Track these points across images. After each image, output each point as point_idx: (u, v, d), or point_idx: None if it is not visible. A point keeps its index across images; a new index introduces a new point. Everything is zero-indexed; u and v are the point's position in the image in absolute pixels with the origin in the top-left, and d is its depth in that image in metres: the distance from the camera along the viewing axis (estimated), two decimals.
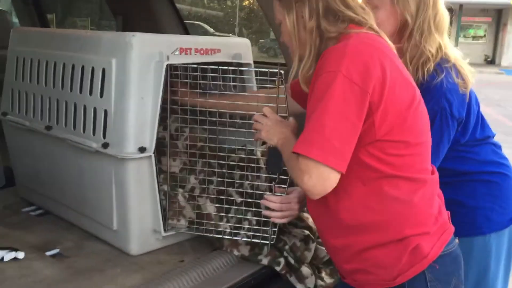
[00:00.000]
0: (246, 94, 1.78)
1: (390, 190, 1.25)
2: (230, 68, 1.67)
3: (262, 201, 1.62)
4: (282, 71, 1.53)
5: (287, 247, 1.72)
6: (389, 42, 1.34)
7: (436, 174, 1.37)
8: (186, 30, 3.31)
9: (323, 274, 1.80)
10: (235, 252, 1.70)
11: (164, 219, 1.71)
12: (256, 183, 1.75)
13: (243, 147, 1.87)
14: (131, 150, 1.59)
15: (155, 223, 1.70)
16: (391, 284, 1.26)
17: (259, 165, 1.78)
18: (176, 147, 1.81)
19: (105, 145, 1.62)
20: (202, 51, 1.74)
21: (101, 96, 1.64)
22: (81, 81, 1.71)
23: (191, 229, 1.73)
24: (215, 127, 1.79)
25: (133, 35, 1.59)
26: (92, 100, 1.67)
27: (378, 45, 1.28)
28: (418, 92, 1.32)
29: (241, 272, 1.65)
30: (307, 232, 1.76)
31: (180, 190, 1.75)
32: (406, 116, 1.24)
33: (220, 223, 1.74)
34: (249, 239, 1.70)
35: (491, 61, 24.79)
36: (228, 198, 1.76)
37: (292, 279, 1.68)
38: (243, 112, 1.71)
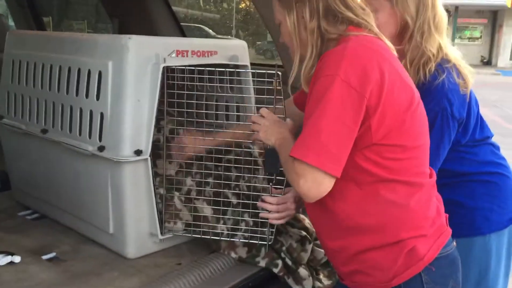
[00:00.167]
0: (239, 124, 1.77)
1: (387, 194, 1.24)
2: (227, 70, 1.66)
3: (258, 204, 1.62)
4: (279, 72, 1.52)
5: (284, 248, 1.72)
6: (389, 44, 1.34)
7: (434, 177, 1.37)
8: (182, 33, 3.31)
9: (321, 276, 1.80)
10: (233, 255, 1.70)
11: (161, 222, 1.70)
12: (253, 184, 1.74)
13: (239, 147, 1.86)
14: (127, 153, 1.59)
15: (151, 226, 1.69)
16: (388, 285, 1.26)
17: (256, 166, 1.78)
18: (171, 150, 1.80)
19: (101, 148, 1.61)
20: (198, 53, 1.74)
21: (97, 99, 1.63)
22: (77, 84, 1.70)
23: (188, 232, 1.73)
24: (212, 129, 1.78)
25: (129, 38, 1.58)
26: (88, 103, 1.66)
27: (377, 48, 1.27)
28: (417, 94, 1.31)
29: (239, 275, 1.65)
30: (304, 233, 1.75)
31: (176, 193, 1.74)
32: (404, 118, 1.24)
33: (217, 225, 1.73)
34: (246, 240, 1.69)
35: (487, 62, 24.88)
36: (225, 199, 1.76)
37: (290, 281, 1.68)
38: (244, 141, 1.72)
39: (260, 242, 1.68)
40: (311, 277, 1.72)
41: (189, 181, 1.78)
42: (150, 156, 1.62)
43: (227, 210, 1.76)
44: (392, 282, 1.25)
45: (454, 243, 1.36)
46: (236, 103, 1.95)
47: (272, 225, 1.66)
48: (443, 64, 1.55)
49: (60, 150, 1.78)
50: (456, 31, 23.86)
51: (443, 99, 1.51)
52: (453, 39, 21.86)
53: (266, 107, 1.50)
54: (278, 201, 1.60)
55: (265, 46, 20.49)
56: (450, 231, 1.35)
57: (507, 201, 1.68)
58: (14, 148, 2.07)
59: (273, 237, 1.68)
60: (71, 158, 1.75)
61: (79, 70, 1.70)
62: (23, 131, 1.93)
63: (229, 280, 1.61)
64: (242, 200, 1.75)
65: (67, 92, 1.74)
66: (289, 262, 1.70)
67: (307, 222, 1.80)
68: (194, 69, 1.67)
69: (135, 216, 1.66)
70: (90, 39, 1.82)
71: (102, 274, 1.59)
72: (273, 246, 1.71)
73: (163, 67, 1.60)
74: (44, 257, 1.68)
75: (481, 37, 25.86)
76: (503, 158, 1.73)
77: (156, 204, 1.68)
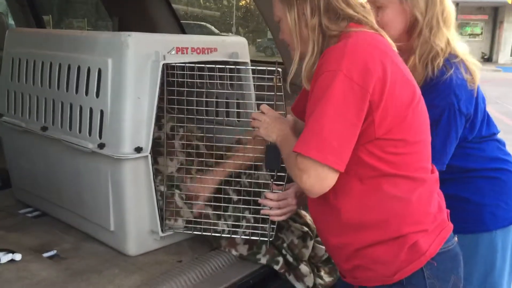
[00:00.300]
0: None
1: (389, 188, 1.25)
2: (227, 67, 1.66)
3: (260, 201, 1.61)
4: (279, 69, 1.52)
5: (285, 245, 1.72)
6: (390, 40, 1.34)
7: (436, 173, 1.37)
8: (182, 30, 3.30)
9: (322, 273, 1.80)
10: (233, 252, 1.70)
11: (162, 219, 1.70)
12: (254, 181, 1.74)
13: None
14: (127, 150, 1.58)
15: (152, 224, 1.69)
16: (390, 280, 1.27)
17: (257, 163, 1.78)
18: (172, 147, 1.80)
19: (101, 146, 1.61)
20: (198, 50, 1.73)
21: (97, 96, 1.63)
22: (77, 81, 1.70)
23: (189, 229, 1.72)
24: (212, 126, 1.78)
25: (129, 35, 1.58)
26: (88, 100, 1.66)
27: (378, 43, 1.27)
28: (418, 90, 1.31)
29: (240, 272, 1.65)
30: (305, 228, 1.75)
31: (177, 191, 1.74)
32: (406, 114, 1.24)
33: (218, 221, 1.73)
34: (247, 237, 1.69)
35: (488, 59, 24.84)
36: (225, 196, 1.75)
37: (291, 278, 1.68)
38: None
39: (261, 239, 1.68)
40: (312, 274, 1.72)
41: (189, 179, 1.77)
42: (150, 153, 1.62)
43: (228, 207, 1.76)
44: (394, 277, 1.26)
45: (456, 238, 1.36)
46: (236, 100, 1.94)
47: (273, 222, 1.65)
48: (451, 59, 1.54)
49: (60, 147, 1.77)
50: (457, 27, 23.80)
51: (450, 95, 1.51)
52: None
53: (266, 104, 1.50)
54: (279, 197, 1.60)
55: (265, 44, 20.47)
56: (451, 226, 1.35)
57: None
58: (14, 146, 2.07)
59: (274, 233, 1.68)
60: (71, 155, 1.74)
61: (78, 68, 1.69)
62: (23, 129, 1.93)
63: (230, 277, 1.61)
64: (243, 196, 1.75)
65: (67, 90, 1.74)
66: (290, 259, 1.70)
67: (308, 218, 1.80)
68: (194, 66, 1.66)
69: (135, 214, 1.66)
70: (89, 36, 1.82)
71: (103, 271, 1.59)
72: (274, 242, 1.71)
73: (163, 64, 1.60)
74: (45, 255, 1.68)
75: (481, 33, 25.82)
76: (509, 155, 1.72)
77: (157, 201, 1.67)
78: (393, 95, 1.21)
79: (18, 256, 1.63)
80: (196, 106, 1.77)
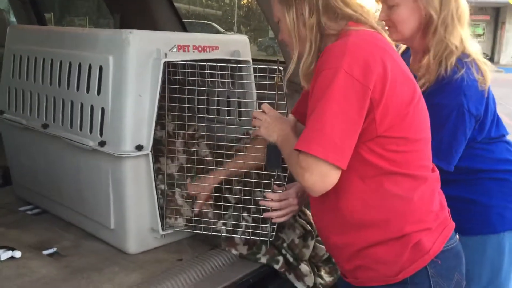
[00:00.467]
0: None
1: (391, 187, 1.24)
2: (228, 65, 1.66)
3: (261, 202, 1.61)
4: (281, 68, 1.51)
5: (285, 244, 1.71)
6: (389, 39, 1.34)
7: (437, 172, 1.37)
8: (184, 28, 3.29)
9: (322, 272, 1.79)
10: (233, 251, 1.69)
11: (162, 217, 1.69)
12: (255, 180, 1.73)
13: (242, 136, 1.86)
14: (128, 148, 1.58)
15: (152, 222, 1.69)
16: (393, 280, 1.26)
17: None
18: (174, 146, 1.80)
19: (102, 143, 1.61)
20: (200, 48, 1.73)
21: (98, 93, 1.63)
22: (78, 79, 1.70)
23: (189, 228, 1.72)
24: (213, 124, 1.77)
25: (130, 32, 1.58)
26: (89, 97, 1.66)
27: (378, 42, 1.27)
28: (418, 88, 1.31)
29: (240, 271, 1.64)
30: (309, 227, 1.74)
31: (178, 189, 1.74)
32: (406, 112, 1.24)
33: (218, 220, 1.72)
34: (248, 237, 1.69)
35: (489, 59, 24.46)
36: (227, 195, 1.75)
37: (291, 277, 1.68)
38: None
39: (261, 239, 1.67)
40: (312, 273, 1.71)
41: (190, 178, 1.77)
42: (151, 151, 1.61)
43: (229, 206, 1.75)
44: (398, 276, 1.25)
45: (457, 236, 1.35)
46: (238, 98, 1.94)
47: (273, 222, 1.65)
48: (463, 59, 1.52)
49: (60, 145, 1.77)
50: None
51: (460, 95, 1.48)
52: None
53: (268, 103, 1.49)
54: (280, 197, 1.59)
55: (266, 42, 20.45)
56: (453, 224, 1.35)
57: None
58: (15, 143, 2.06)
59: (274, 233, 1.67)
60: (72, 153, 1.74)
61: (79, 65, 1.69)
62: (23, 126, 1.93)
63: (230, 276, 1.61)
64: (244, 196, 1.75)
65: (68, 87, 1.74)
66: (290, 259, 1.69)
67: (311, 217, 1.79)
68: (195, 64, 1.66)
69: (136, 212, 1.66)
70: (91, 33, 1.81)
71: (103, 269, 1.59)
72: (274, 242, 1.70)
73: (164, 62, 1.59)
74: (45, 252, 1.68)
75: (483, 34, 25.79)
76: None
77: (157, 200, 1.67)
78: (394, 93, 1.21)
79: (18, 254, 1.63)
80: (197, 105, 1.77)
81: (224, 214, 1.74)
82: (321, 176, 1.18)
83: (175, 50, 1.65)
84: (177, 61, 1.65)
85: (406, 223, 1.25)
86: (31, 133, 1.91)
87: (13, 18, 4.44)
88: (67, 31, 1.97)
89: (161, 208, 1.69)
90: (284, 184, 1.62)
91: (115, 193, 1.64)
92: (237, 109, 1.94)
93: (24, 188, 2.10)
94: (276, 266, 1.66)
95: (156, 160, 1.68)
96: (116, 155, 1.57)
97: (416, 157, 1.28)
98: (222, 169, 1.73)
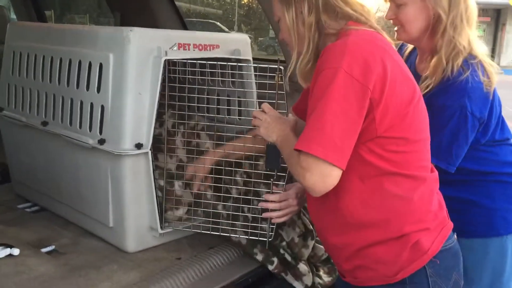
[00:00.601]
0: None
1: (390, 187, 1.24)
2: (229, 64, 1.65)
3: (260, 204, 1.60)
4: (281, 67, 1.51)
5: (284, 243, 1.71)
6: (389, 38, 1.34)
7: (436, 172, 1.37)
8: (184, 26, 3.29)
9: (321, 273, 1.79)
10: (233, 238, 1.68)
11: (161, 216, 1.69)
12: (253, 180, 1.73)
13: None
14: (128, 146, 1.57)
15: (151, 220, 1.68)
16: (392, 280, 1.26)
17: (257, 162, 1.77)
18: (173, 144, 1.79)
19: (102, 141, 1.60)
20: (200, 47, 1.72)
21: (98, 91, 1.62)
22: (78, 76, 1.69)
23: (189, 220, 1.70)
24: (213, 123, 1.77)
25: (131, 30, 1.57)
26: (89, 95, 1.65)
27: (378, 41, 1.27)
28: (418, 88, 1.32)
29: (239, 270, 1.64)
30: (310, 227, 1.73)
31: (177, 181, 1.73)
32: (406, 112, 1.24)
33: (218, 203, 1.71)
34: (246, 237, 1.68)
35: None
36: (226, 195, 1.74)
37: (288, 278, 1.67)
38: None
39: (260, 239, 1.67)
40: (310, 273, 1.71)
41: (188, 193, 1.76)
42: (150, 149, 1.61)
43: (229, 197, 1.74)
44: (396, 276, 1.25)
45: (455, 236, 1.35)
46: (238, 97, 1.93)
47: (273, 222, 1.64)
48: (469, 60, 1.51)
49: (60, 142, 1.77)
50: None
51: (464, 97, 1.47)
52: None
53: (268, 102, 1.49)
54: (280, 198, 1.58)
55: (267, 42, 20.43)
56: (451, 224, 1.35)
57: None
58: (14, 141, 2.06)
59: (273, 233, 1.67)
60: (71, 151, 1.74)
61: (79, 62, 1.68)
62: (23, 123, 1.92)
63: (229, 275, 1.61)
64: (243, 196, 1.74)
65: (68, 85, 1.73)
66: (289, 258, 1.69)
67: None
68: (195, 63, 1.65)
69: (135, 210, 1.65)
70: (91, 31, 1.81)
71: (102, 267, 1.59)
72: (272, 241, 1.70)
73: (165, 60, 1.59)
74: (43, 250, 1.68)
75: (484, 35, 25.78)
76: None
77: (157, 198, 1.67)
78: (394, 93, 1.21)
79: (16, 251, 1.62)
80: (197, 103, 1.76)
81: (224, 196, 1.73)
82: (322, 176, 1.17)
83: (175, 48, 1.65)
84: (177, 59, 1.65)
85: (405, 223, 1.25)
86: (31, 130, 1.91)
87: (13, 15, 4.43)
88: (67, 28, 1.97)
89: (160, 204, 1.68)
90: (283, 185, 1.61)
91: (114, 191, 1.64)
92: (237, 108, 1.94)
93: (23, 186, 2.09)
94: (270, 267, 1.65)
95: (155, 157, 1.67)
96: (115, 153, 1.57)
97: (416, 158, 1.28)
98: (219, 150, 1.72)
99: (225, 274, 1.61)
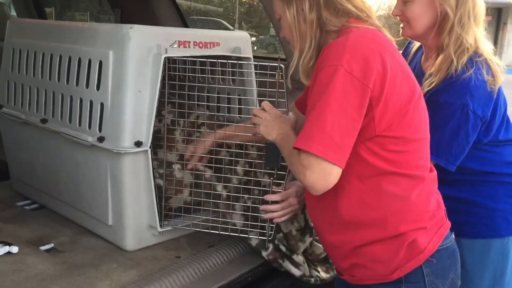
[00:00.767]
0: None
1: (389, 186, 1.24)
2: (229, 61, 1.64)
3: (261, 207, 1.59)
4: (282, 65, 1.50)
5: (280, 234, 1.69)
6: (390, 36, 1.34)
7: (434, 172, 1.36)
8: (185, 24, 3.28)
9: (319, 269, 1.78)
10: (229, 219, 1.67)
11: (160, 214, 1.68)
12: (253, 178, 1.72)
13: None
14: (127, 144, 1.57)
15: (151, 219, 1.68)
16: (388, 279, 1.26)
17: (258, 161, 1.76)
18: (172, 140, 1.79)
19: (101, 139, 1.60)
20: (201, 45, 1.72)
21: (98, 89, 1.62)
22: (78, 74, 1.69)
23: (187, 226, 1.70)
24: (213, 122, 1.76)
25: (131, 27, 1.56)
26: (89, 93, 1.65)
27: (379, 39, 1.27)
28: (418, 87, 1.31)
29: (238, 269, 1.64)
30: (311, 224, 1.72)
31: (176, 164, 1.73)
32: (406, 111, 1.23)
33: (218, 183, 1.70)
34: (245, 235, 1.67)
35: None
36: (224, 158, 1.73)
37: (286, 264, 1.65)
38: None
39: (260, 238, 1.66)
40: (305, 263, 1.70)
41: (188, 175, 1.76)
42: (150, 147, 1.60)
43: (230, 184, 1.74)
44: (393, 275, 1.25)
45: (453, 236, 1.35)
46: (238, 95, 1.93)
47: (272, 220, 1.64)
48: (474, 58, 1.50)
49: (59, 140, 1.76)
50: None
51: (466, 95, 1.46)
52: None
53: (268, 100, 1.48)
54: (281, 197, 1.58)
55: (267, 40, 20.41)
56: (449, 224, 1.35)
57: None
58: (14, 138, 2.05)
59: (273, 232, 1.66)
60: (71, 148, 1.73)
61: (79, 60, 1.68)
62: (22, 120, 1.92)
63: (228, 274, 1.60)
64: (244, 193, 1.73)
65: (67, 82, 1.73)
66: (283, 249, 1.67)
67: None
68: (196, 61, 1.64)
69: (134, 208, 1.65)
70: (91, 28, 1.80)
71: (100, 266, 1.58)
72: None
73: (165, 58, 1.58)
74: (42, 248, 1.67)
75: (484, 34, 25.74)
76: None
77: (156, 196, 1.66)
78: (393, 91, 1.20)
79: (15, 249, 1.62)
80: (197, 101, 1.75)
81: (224, 177, 1.72)
82: (323, 175, 1.17)
83: (175, 45, 1.64)
84: (177, 57, 1.64)
85: (402, 222, 1.25)
86: (30, 127, 1.90)
87: (13, 12, 4.43)
88: (68, 25, 1.96)
89: (159, 201, 1.68)
90: (283, 183, 1.61)
91: (114, 189, 1.63)
92: (237, 106, 1.93)
93: (22, 183, 2.09)
94: (264, 253, 1.64)
95: (154, 153, 1.67)
96: (115, 151, 1.56)
97: (415, 157, 1.28)
98: (223, 132, 1.72)
99: (224, 272, 1.61)
